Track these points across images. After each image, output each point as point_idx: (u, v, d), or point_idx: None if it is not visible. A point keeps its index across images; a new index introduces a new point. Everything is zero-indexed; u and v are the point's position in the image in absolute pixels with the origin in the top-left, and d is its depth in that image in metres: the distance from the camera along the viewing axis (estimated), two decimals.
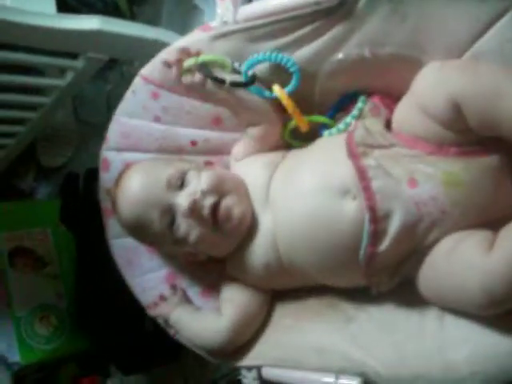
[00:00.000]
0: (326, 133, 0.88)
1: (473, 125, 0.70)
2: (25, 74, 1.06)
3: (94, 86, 1.39)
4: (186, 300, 0.96)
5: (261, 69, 0.85)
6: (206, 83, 0.85)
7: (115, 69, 1.38)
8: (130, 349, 1.25)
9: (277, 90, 0.84)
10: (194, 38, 0.87)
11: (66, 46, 0.97)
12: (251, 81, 0.84)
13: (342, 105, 0.88)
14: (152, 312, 0.96)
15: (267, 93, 0.85)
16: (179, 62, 0.86)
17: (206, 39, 0.86)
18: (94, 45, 0.97)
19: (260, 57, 0.83)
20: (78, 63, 1.02)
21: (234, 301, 0.90)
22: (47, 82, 1.11)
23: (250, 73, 0.84)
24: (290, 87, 0.84)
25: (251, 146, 0.91)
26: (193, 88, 0.87)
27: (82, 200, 1.35)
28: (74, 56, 1.01)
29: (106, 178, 0.98)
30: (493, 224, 0.73)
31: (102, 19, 0.95)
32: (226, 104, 0.89)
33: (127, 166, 0.92)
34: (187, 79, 0.87)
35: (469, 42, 0.75)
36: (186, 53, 0.86)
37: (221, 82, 0.84)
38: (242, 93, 0.85)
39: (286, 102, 0.84)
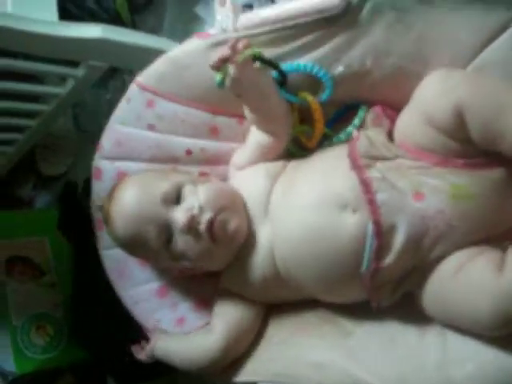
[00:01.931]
0: (326, 143, 0.87)
1: (474, 136, 0.69)
2: (25, 81, 1.05)
3: (94, 95, 1.39)
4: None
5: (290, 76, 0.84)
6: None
7: (116, 77, 1.38)
8: (128, 360, 1.24)
9: (309, 98, 0.83)
10: (190, 46, 0.87)
11: (67, 53, 0.96)
12: (284, 80, 0.83)
13: (341, 115, 0.88)
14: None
15: (297, 99, 0.84)
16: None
17: (204, 46, 0.85)
18: (95, 53, 0.97)
19: (294, 66, 0.82)
20: (79, 71, 1.01)
21: (226, 316, 0.89)
22: (47, 90, 1.10)
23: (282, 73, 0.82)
24: (322, 97, 0.83)
25: (254, 155, 0.89)
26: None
27: (81, 209, 1.34)
28: (74, 64, 1.01)
29: (98, 187, 0.96)
30: (498, 240, 0.72)
31: (104, 27, 0.94)
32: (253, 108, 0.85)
33: (120, 176, 0.91)
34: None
35: (473, 53, 0.75)
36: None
37: (275, 66, 0.81)
38: None
39: (317, 110, 0.83)
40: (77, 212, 1.35)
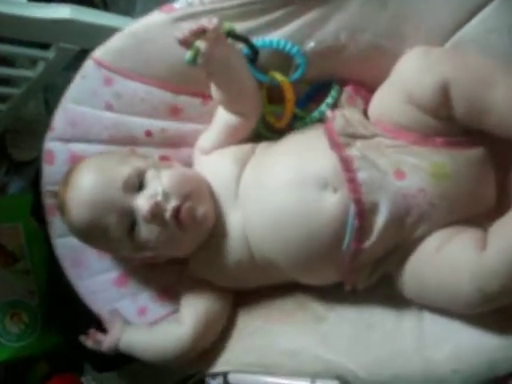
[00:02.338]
0: (298, 123, 0.85)
1: (459, 113, 0.69)
2: None
3: (66, 78, 1.36)
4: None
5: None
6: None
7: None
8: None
9: (280, 78, 0.81)
10: (153, 20, 0.83)
11: (36, 35, 0.94)
12: (255, 57, 0.81)
13: (312, 95, 0.86)
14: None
15: (267, 77, 0.82)
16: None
17: (168, 21, 0.82)
18: (65, 35, 0.94)
19: (266, 42, 0.79)
20: (49, 53, 0.99)
21: (194, 305, 0.87)
22: (17, 73, 1.09)
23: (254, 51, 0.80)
24: (294, 76, 0.81)
25: (221, 138, 0.86)
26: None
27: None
28: (45, 46, 0.99)
29: (49, 172, 0.91)
30: (477, 219, 0.73)
31: (73, 8, 0.92)
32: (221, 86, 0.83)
33: (74, 159, 0.86)
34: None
35: (451, 30, 0.74)
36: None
37: (248, 42, 0.79)
38: None
39: (288, 90, 0.81)
40: None
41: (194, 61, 0.75)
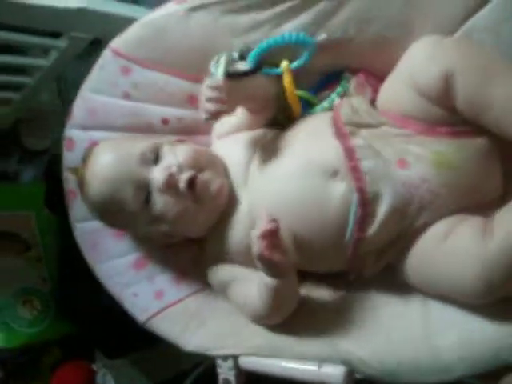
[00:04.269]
0: (309, 111, 0.86)
1: (461, 104, 0.69)
2: (7, 53, 1.03)
3: (78, 67, 1.37)
4: None
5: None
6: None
7: (100, 49, 1.35)
8: (115, 333, 1.24)
9: (284, 66, 0.82)
10: (168, 11, 0.85)
11: (49, 24, 0.95)
12: (259, 67, 0.82)
13: (325, 83, 0.87)
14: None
15: (275, 70, 0.83)
16: None
17: (182, 11, 0.84)
18: (77, 24, 0.95)
19: (278, 39, 0.80)
20: (62, 43, 1.00)
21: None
22: (30, 62, 1.09)
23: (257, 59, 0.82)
24: (297, 63, 0.82)
25: (238, 124, 0.89)
26: None
27: None
28: (57, 35, 0.99)
29: (70, 159, 0.94)
30: (482, 208, 0.73)
31: None
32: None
33: (94, 144, 0.89)
34: None
35: (462, 18, 0.74)
36: None
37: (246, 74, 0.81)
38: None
39: (289, 81, 0.82)
40: (63, 186, 1.34)
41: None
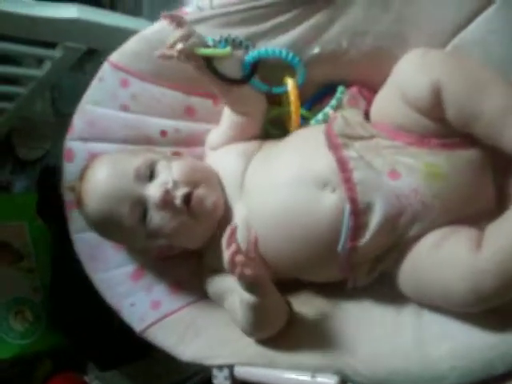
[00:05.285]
0: (303, 125, 0.87)
1: (449, 116, 0.70)
2: (1, 63, 1.04)
3: (72, 78, 1.37)
4: None
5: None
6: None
7: (95, 60, 1.36)
8: (107, 345, 1.23)
9: (290, 84, 0.83)
10: (163, 25, 0.85)
11: (43, 34, 0.95)
12: (252, 74, 0.83)
13: (318, 97, 0.88)
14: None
15: (281, 88, 0.84)
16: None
17: None
18: (71, 34, 0.96)
19: (267, 52, 0.81)
20: (56, 53, 1.00)
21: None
22: (24, 72, 1.09)
23: (250, 65, 0.83)
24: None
25: (228, 135, 0.89)
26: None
27: (59, 194, 1.33)
28: (51, 45, 1.00)
29: (69, 170, 0.94)
30: (474, 219, 0.73)
31: (80, 8, 0.93)
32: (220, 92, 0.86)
33: (92, 157, 0.89)
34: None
35: (452, 31, 0.75)
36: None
37: (223, 78, 0.82)
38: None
39: (295, 98, 0.83)
40: (55, 196, 1.33)
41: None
